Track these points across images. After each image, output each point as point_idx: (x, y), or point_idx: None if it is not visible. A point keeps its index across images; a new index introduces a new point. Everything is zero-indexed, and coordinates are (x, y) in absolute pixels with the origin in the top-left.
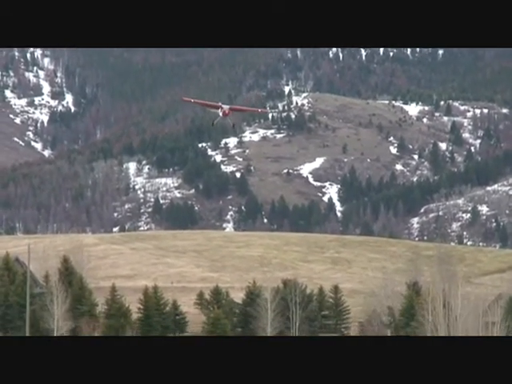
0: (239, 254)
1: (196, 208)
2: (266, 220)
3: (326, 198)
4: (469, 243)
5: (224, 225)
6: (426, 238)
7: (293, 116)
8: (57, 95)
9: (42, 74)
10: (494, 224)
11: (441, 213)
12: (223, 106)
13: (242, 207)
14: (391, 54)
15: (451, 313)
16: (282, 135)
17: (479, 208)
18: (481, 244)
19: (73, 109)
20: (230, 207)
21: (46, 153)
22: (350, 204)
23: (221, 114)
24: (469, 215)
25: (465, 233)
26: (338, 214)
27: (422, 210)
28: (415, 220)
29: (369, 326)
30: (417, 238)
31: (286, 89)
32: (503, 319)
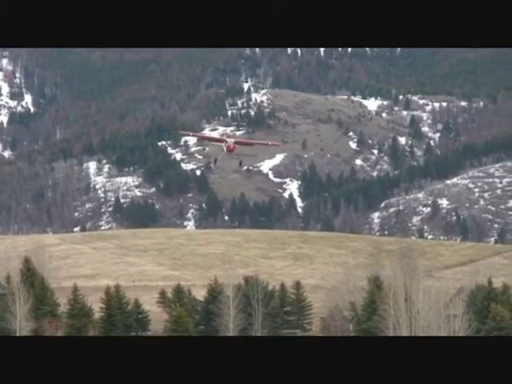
0: (200, 252)
1: (157, 206)
2: (226, 217)
3: (286, 194)
4: (429, 237)
5: (185, 223)
6: (386, 232)
7: (252, 113)
8: (16, 96)
9: (0, 74)
10: (455, 217)
11: (401, 207)
12: (227, 139)
13: (203, 205)
14: (349, 49)
15: (413, 307)
16: (241, 132)
17: (439, 201)
18: (441, 237)
19: (32, 109)
20: (191, 205)
21: (6, 154)
22: (311, 200)
23: (225, 149)
24: (429, 209)
25: (425, 226)
26: (299, 210)
27: (383, 205)
28: (376, 215)
29: (331, 321)
30: (378, 233)
31: (245, 86)
32: (465, 312)
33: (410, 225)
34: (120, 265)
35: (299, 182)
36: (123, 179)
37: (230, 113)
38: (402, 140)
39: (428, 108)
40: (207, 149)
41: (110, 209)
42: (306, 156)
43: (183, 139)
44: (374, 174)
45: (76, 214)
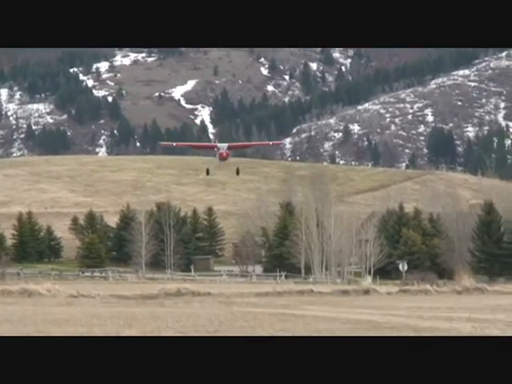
0: (113, 179)
1: (69, 133)
2: (138, 144)
3: (198, 121)
4: (341, 162)
5: (97, 149)
6: (298, 158)
7: None
8: None
9: None
10: (366, 143)
11: (313, 133)
12: (219, 145)
13: (115, 131)
14: None
15: (325, 232)
16: (153, 58)
17: (351, 127)
18: (353, 163)
19: None
20: (103, 131)
21: None
22: (223, 126)
23: (217, 158)
24: (340, 134)
25: (337, 152)
26: (211, 136)
27: (294, 131)
28: (287, 140)
29: (243, 247)
30: (289, 159)
31: None
32: (376, 237)
33: (321, 150)
34: (32, 192)
35: (211, 108)
36: (35, 106)
37: None
38: (314, 66)
39: None
40: (119, 75)
41: (22, 136)
42: (217, 82)
43: (94, 66)
44: (286, 99)
45: None
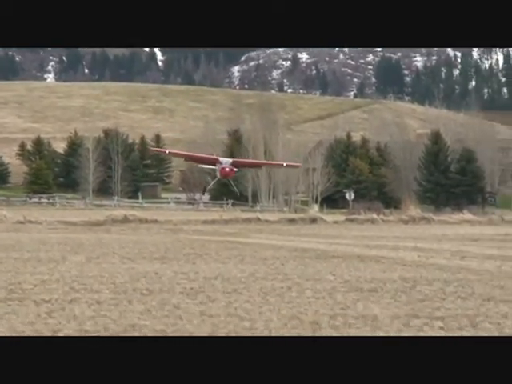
0: (61, 105)
1: (17, 59)
2: (87, 70)
3: (146, 48)
4: (289, 91)
5: (45, 75)
6: (246, 86)
7: None
8: None
9: None
10: (314, 71)
11: (261, 61)
12: (221, 159)
13: (63, 58)
14: None
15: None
16: None
17: (299, 56)
18: (301, 91)
19: None
20: (51, 58)
21: None
22: (171, 53)
23: (218, 175)
24: (289, 63)
25: (285, 80)
26: (159, 64)
27: (243, 59)
28: (236, 68)
29: (190, 174)
30: (237, 87)
31: None
32: (323, 166)
33: (269, 78)
34: None
35: None
36: None
37: None
38: None
39: None
40: None
41: None
42: None
43: None
44: None
45: None
